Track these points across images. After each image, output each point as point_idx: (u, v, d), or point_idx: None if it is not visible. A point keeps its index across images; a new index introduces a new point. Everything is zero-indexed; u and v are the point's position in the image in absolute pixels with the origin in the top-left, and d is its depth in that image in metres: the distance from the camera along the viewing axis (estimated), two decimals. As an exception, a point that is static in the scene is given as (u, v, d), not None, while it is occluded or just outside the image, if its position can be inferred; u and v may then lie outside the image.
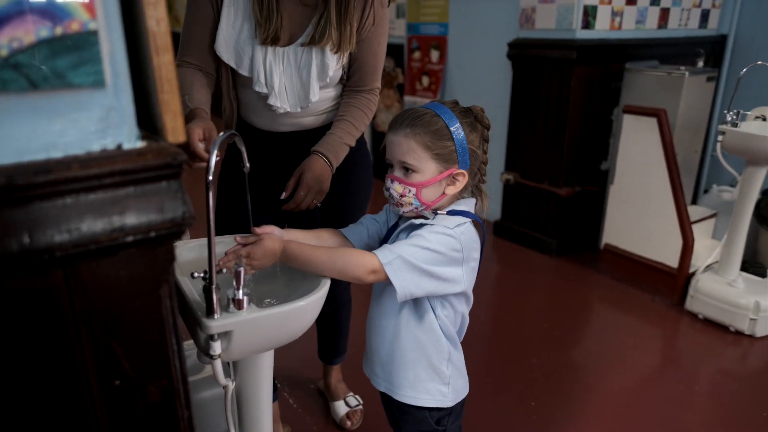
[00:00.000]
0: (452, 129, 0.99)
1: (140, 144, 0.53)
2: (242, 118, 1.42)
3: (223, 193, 1.45)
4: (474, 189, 1.10)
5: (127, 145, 0.53)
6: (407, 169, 1.01)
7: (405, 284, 0.98)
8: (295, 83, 1.31)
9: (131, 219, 0.53)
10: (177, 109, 0.54)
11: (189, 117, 1.16)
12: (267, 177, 1.39)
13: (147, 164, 0.53)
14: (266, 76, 1.29)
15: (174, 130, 0.55)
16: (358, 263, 0.99)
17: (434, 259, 0.98)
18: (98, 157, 0.51)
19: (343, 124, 1.36)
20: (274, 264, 1.00)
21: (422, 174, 1.00)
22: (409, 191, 1.01)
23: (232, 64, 1.29)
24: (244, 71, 1.29)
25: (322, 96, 1.35)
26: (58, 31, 0.47)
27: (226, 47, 1.28)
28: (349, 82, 1.39)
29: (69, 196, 0.50)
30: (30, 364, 0.53)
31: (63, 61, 0.47)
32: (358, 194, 1.52)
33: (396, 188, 1.02)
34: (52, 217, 0.50)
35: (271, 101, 1.31)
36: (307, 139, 1.37)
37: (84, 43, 0.48)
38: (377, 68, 1.39)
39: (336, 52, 1.29)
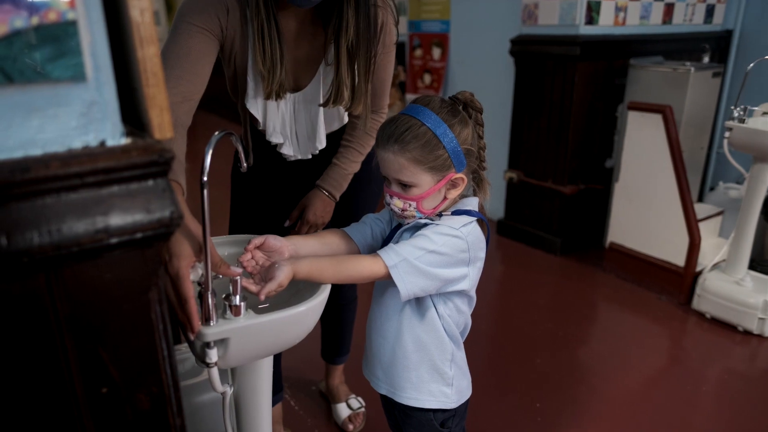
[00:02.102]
0: (441, 136, 0.95)
1: (125, 141, 0.51)
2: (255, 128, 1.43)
3: (237, 192, 1.46)
4: (474, 177, 1.07)
5: (111, 142, 0.50)
6: (404, 185, 0.99)
7: (409, 287, 0.96)
8: (308, 132, 1.32)
9: (116, 219, 0.50)
10: (164, 103, 0.52)
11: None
12: (280, 181, 1.42)
13: (132, 162, 0.50)
14: (281, 126, 1.28)
15: (161, 126, 0.52)
16: (364, 270, 0.97)
17: (440, 262, 0.96)
18: (80, 154, 0.48)
19: (349, 153, 1.36)
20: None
21: (420, 187, 0.98)
22: (410, 205, 0.99)
23: (260, 121, 1.27)
24: (260, 126, 1.28)
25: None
26: (34, 21, 0.44)
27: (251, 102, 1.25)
28: None
29: (49, 195, 0.47)
30: (12, 371, 0.50)
31: (40, 53, 0.45)
32: (366, 202, 1.51)
33: (396, 203, 1.01)
34: (31, 218, 0.47)
35: (285, 150, 1.31)
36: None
37: (62, 34, 0.45)
38: (384, 92, 1.36)
39: (349, 109, 1.28)
